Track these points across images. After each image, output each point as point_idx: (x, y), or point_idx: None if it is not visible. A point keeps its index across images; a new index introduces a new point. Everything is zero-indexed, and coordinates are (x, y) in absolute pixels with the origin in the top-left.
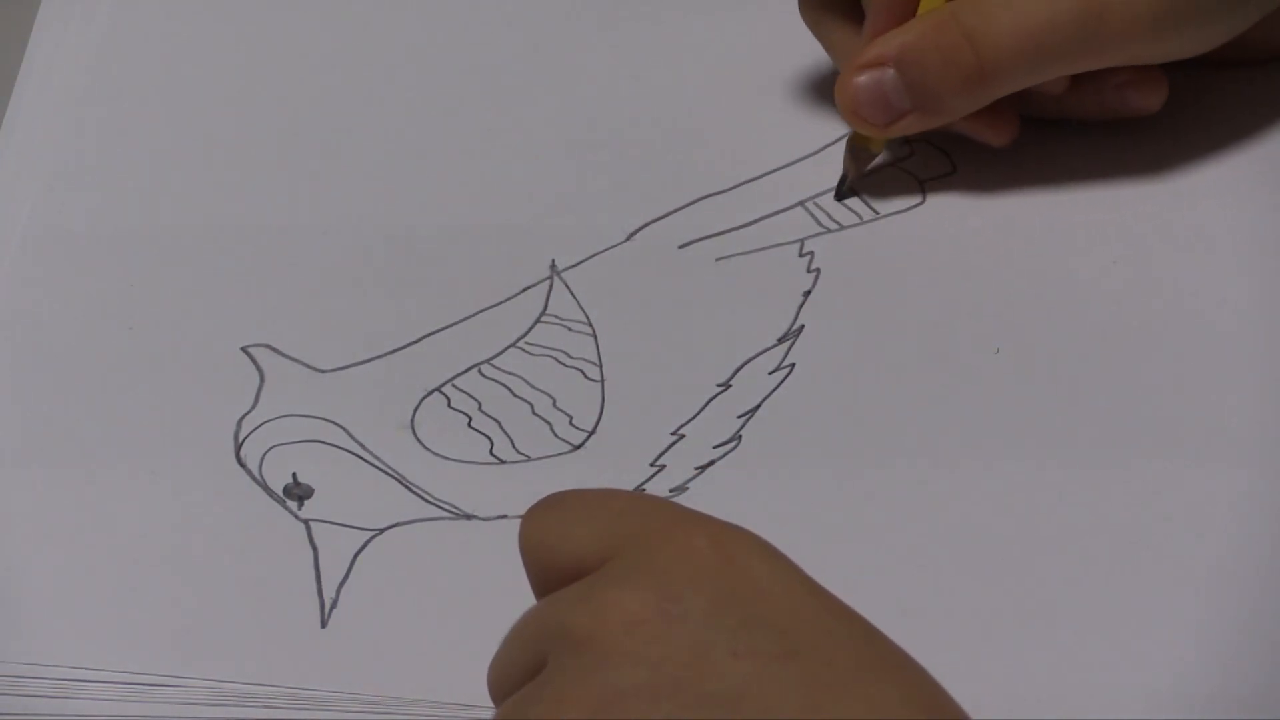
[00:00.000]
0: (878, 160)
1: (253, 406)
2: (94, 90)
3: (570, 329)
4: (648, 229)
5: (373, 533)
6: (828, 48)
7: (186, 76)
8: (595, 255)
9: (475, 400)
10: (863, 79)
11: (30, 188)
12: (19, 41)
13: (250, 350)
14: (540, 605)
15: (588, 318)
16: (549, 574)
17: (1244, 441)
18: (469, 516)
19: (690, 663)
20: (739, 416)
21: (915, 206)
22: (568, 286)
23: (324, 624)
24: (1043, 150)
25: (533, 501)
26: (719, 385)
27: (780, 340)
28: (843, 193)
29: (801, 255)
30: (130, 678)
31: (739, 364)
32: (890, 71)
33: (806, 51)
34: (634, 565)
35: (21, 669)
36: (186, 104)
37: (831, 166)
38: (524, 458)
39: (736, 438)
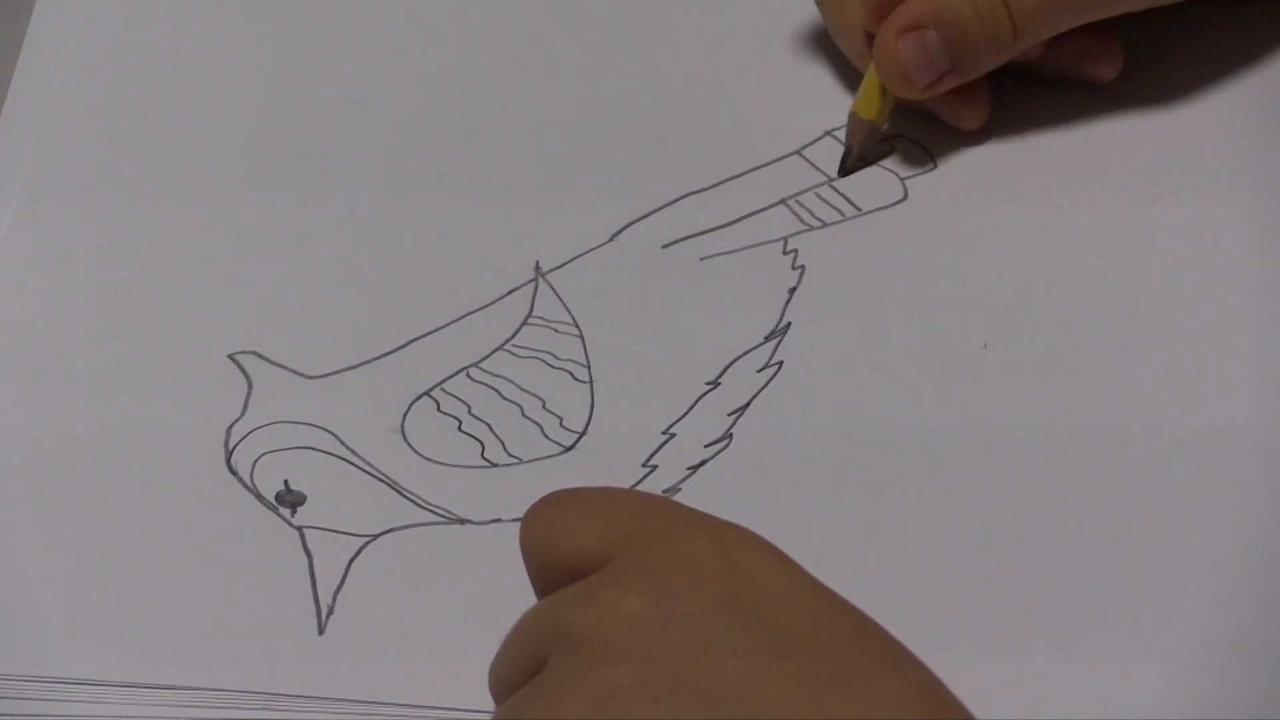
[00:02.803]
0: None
1: (241, 414)
2: (77, 97)
3: (557, 330)
4: (630, 229)
5: (367, 539)
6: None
7: (171, 86)
8: (579, 257)
9: (464, 404)
10: (908, 41)
11: (12, 195)
12: (9, 50)
13: (237, 358)
14: (541, 605)
15: (574, 319)
16: (550, 572)
17: (1237, 433)
18: (462, 521)
19: (691, 661)
20: (729, 414)
21: (897, 202)
22: (553, 288)
23: (321, 630)
24: (1023, 143)
25: (526, 504)
26: (708, 384)
27: (767, 338)
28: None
29: (785, 253)
30: (127, 686)
31: (727, 362)
32: (932, 33)
33: (787, 49)
34: (635, 565)
35: (17, 677)
36: (170, 112)
37: (813, 164)
38: (515, 460)
39: (727, 436)
